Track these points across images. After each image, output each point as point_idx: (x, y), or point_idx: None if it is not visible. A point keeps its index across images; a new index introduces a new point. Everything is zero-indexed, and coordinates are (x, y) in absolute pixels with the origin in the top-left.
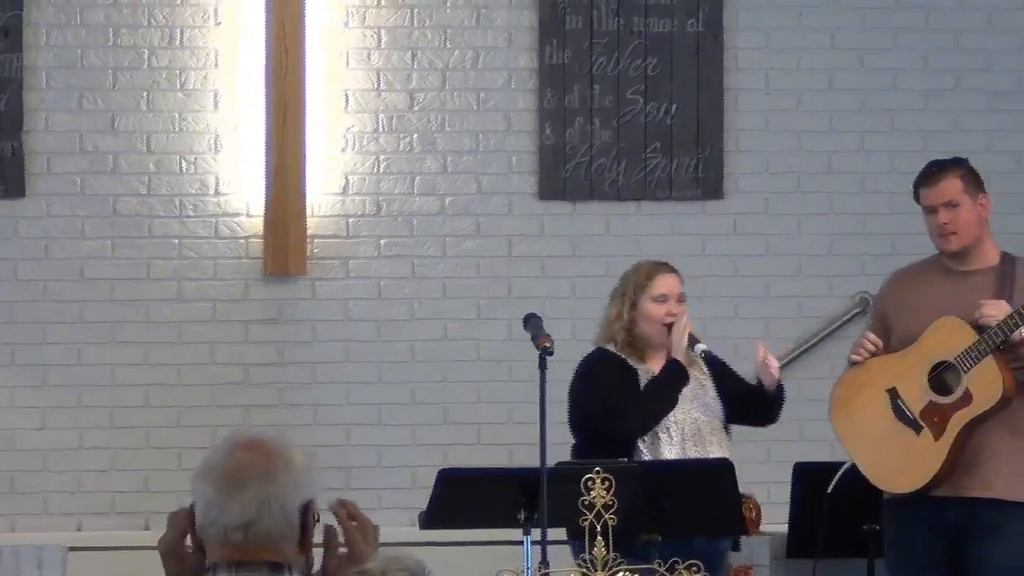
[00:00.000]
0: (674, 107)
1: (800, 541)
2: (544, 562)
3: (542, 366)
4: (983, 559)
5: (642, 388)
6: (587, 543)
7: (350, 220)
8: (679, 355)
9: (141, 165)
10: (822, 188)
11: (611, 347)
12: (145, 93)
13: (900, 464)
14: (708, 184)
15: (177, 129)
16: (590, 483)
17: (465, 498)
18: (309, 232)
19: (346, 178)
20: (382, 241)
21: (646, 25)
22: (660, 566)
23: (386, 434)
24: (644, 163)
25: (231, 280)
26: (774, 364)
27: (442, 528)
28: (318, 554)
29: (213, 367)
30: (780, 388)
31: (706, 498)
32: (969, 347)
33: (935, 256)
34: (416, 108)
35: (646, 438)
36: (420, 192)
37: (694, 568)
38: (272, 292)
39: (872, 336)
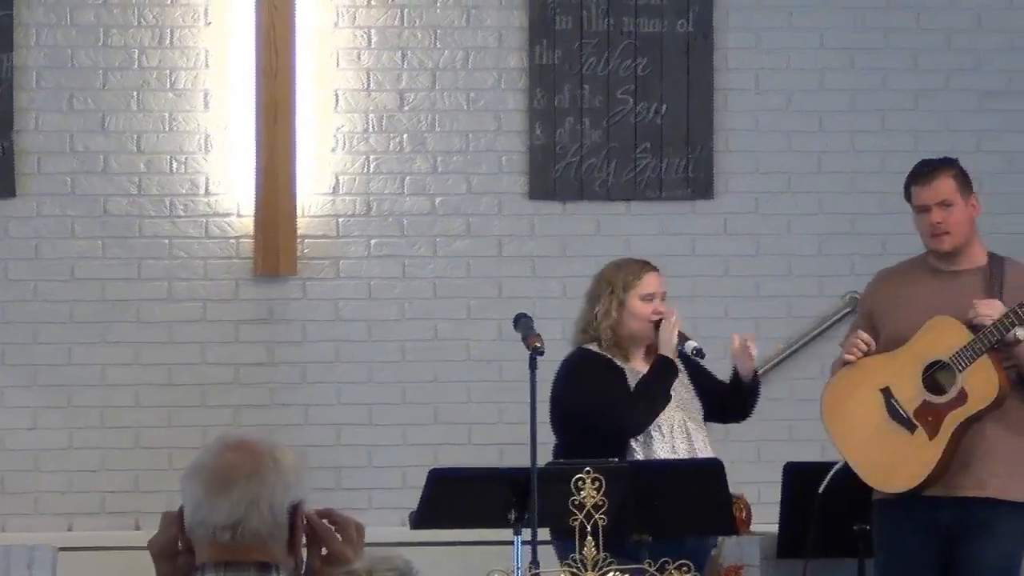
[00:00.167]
0: (664, 107)
1: (790, 541)
2: (534, 562)
3: (532, 366)
4: (976, 559)
5: (633, 386)
6: (577, 543)
7: (340, 220)
8: (669, 352)
9: (131, 165)
10: (812, 188)
11: (594, 347)
12: (135, 93)
13: (894, 464)
14: (698, 184)
15: (167, 129)
16: (580, 483)
17: (455, 498)
18: (299, 232)
19: (336, 178)
20: (372, 241)
21: (636, 25)
22: (650, 566)
23: (377, 434)
24: (634, 163)
25: (221, 280)
26: (753, 350)
27: (433, 528)
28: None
29: (203, 367)
30: (756, 379)
31: (696, 498)
32: (964, 346)
33: (921, 256)
34: (406, 108)
35: (640, 436)
36: (410, 192)
37: (684, 568)
38: (262, 292)
39: (864, 335)
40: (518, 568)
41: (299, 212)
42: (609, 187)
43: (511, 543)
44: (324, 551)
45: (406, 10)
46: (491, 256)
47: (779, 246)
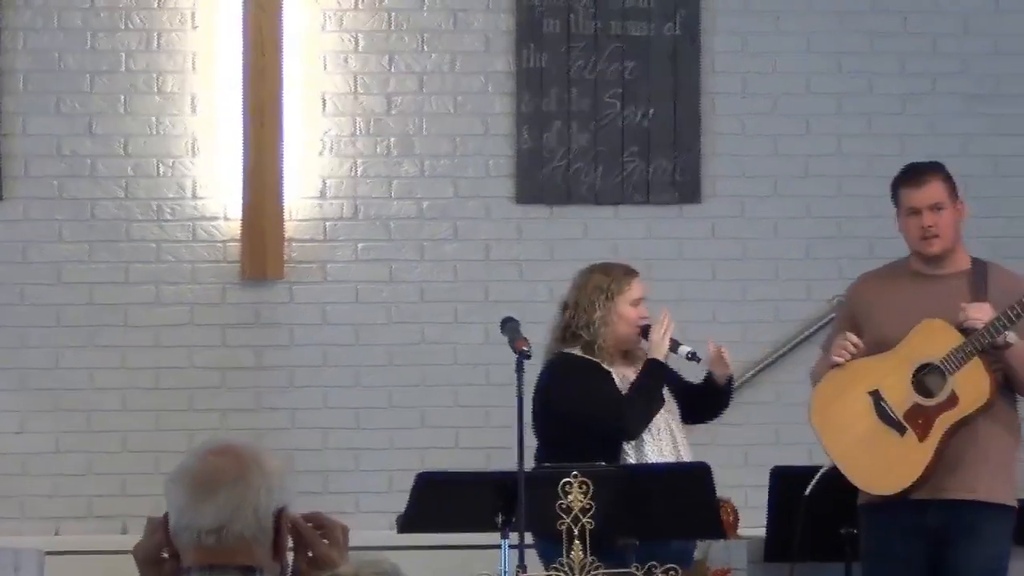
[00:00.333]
0: (651, 111)
1: (777, 545)
2: (522, 565)
3: (519, 369)
4: (964, 562)
5: (624, 391)
6: (564, 547)
7: (327, 224)
8: (660, 355)
9: (119, 169)
10: (799, 192)
11: (576, 351)
12: (122, 96)
13: (884, 466)
14: (685, 188)
15: (154, 133)
16: (568, 487)
17: (443, 502)
18: (286, 236)
19: (323, 182)
20: (359, 245)
21: (623, 29)
22: (638, 570)
23: (364, 438)
24: (621, 167)
25: (209, 284)
26: (728, 357)
27: (420, 532)
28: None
29: (191, 371)
30: (730, 383)
31: (684, 502)
32: (955, 349)
33: (904, 260)
34: (393, 112)
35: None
36: (397, 196)
37: (671, 572)
38: (249, 296)
39: (853, 338)
40: (505, 572)
41: (286, 216)
42: (596, 191)
43: (498, 547)
44: (310, 555)
45: (393, 14)
46: (478, 260)
47: (766, 250)
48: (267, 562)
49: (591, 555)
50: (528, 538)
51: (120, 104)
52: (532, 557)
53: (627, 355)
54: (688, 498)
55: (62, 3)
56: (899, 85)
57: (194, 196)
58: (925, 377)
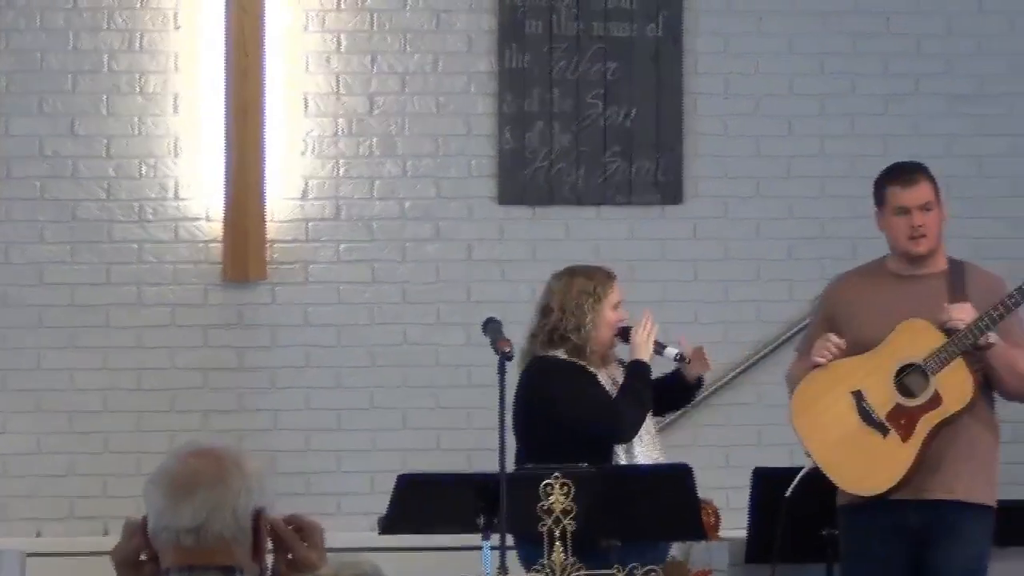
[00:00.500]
0: (633, 111)
1: (759, 546)
2: (503, 567)
3: (501, 370)
4: (944, 562)
5: (615, 393)
6: (546, 548)
7: (310, 224)
8: (645, 356)
9: (101, 169)
10: (782, 192)
11: (561, 354)
12: (105, 97)
13: (867, 467)
14: (667, 188)
15: (137, 133)
16: (549, 488)
17: (424, 503)
18: (269, 236)
19: (306, 182)
20: (342, 246)
21: (606, 29)
22: (619, 571)
23: (345, 439)
24: (604, 167)
25: (191, 284)
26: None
27: (401, 533)
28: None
29: (173, 372)
30: (700, 380)
31: (665, 503)
32: (938, 350)
33: (879, 260)
34: (376, 112)
35: None
36: (380, 196)
37: (652, 573)
38: (232, 297)
39: (836, 339)
40: (486, 573)
41: (268, 216)
42: (578, 191)
43: (480, 548)
44: (289, 557)
45: (375, 14)
46: (460, 260)
47: (748, 250)
48: (247, 563)
49: (572, 556)
50: (509, 540)
51: (102, 104)
52: (513, 559)
53: (603, 357)
54: (669, 499)
55: (44, 3)
56: (882, 86)
57: (176, 197)
58: (906, 378)
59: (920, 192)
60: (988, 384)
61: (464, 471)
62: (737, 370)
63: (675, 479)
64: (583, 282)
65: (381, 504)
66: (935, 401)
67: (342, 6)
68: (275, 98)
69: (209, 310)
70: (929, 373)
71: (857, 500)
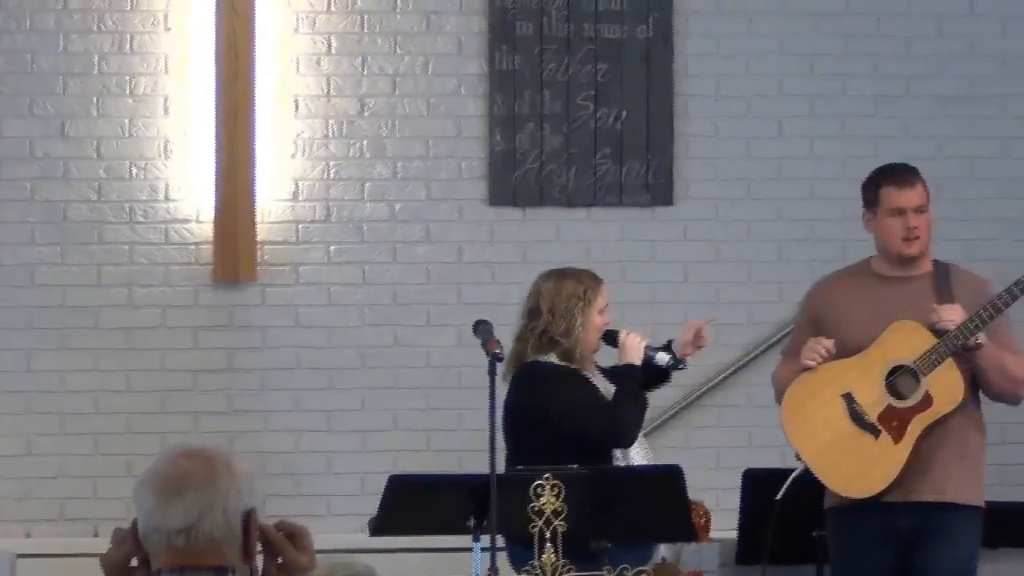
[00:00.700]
0: (624, 113)
1: (749, 548)
2: (493, 568)
3: (492, 372)
4: (933, 564)
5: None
6: (536, 549)
7: (300, 226)
8: (637, 359)
9: (91, 171)
10: (772, 194)
11: (553, 359)
12: (95, 99)
13: (859, 468)
14: (658, 190)
15: (127, 135)
16: (539, 490)
17: (415, 504)
18: (259, 238)
19: (296, 184)
20: (332, 247)
21: (596, 31)
22: (610, 572)
23: (336, 440)
24: (594, 169)
25: (181, 286)
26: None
27: (392, 535)
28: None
29: (163, 373)
30: (674, 365)
31: (656, 504)
32: (928, 351)
33: (863, 262)
34: (366, 114)
35: None
36: (370, 198)
37: (642, 574)
38: (222, 298)
39: (826, 341)
40: (477, 574)
41: (259, 218)
42: (569, 193)
43: (470, 549)
44: (279, 560)
45: (366, 16)
46: (451, 262)
47: (738, 252)
48: (238, 563)
49: (563, 558)
50: (500, 541)
51: (93, 106)
52: (504, 560)
53: (589, 360)
54: (660, 500)
55: (35, 5)
56: (873, 87)
57: (167, 198)
58: (896, 379)
59: (916, 194)
60: (975, 385)
61: (455, 472)
62: (728, 371)
63: (666, 480)
64: (573, 285)
65: (372, 505)
66: (926, 402)
67: (332, 8)
68: (265, 100)
69: (199, 311)
70: (920, 374)
71: (846, 502)
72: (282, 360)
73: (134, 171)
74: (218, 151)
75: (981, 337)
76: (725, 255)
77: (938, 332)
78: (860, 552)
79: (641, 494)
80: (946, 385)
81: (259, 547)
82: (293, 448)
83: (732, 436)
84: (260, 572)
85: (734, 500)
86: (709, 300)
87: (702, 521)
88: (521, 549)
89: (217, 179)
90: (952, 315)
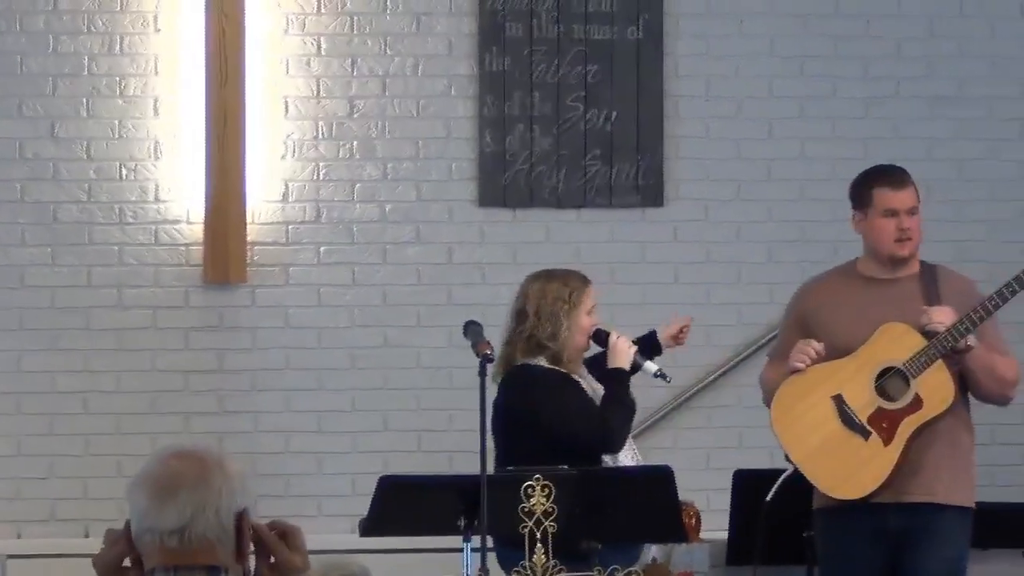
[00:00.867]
0: (614, 114)
1: (740, 548)
2: (484, 569)
3: (482, 373)
4: (921, 564)
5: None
6: (527, 550)
7: (290, 227)
8: (625, 363)
9: (81, 172)
10: (762, 195)
11: (542, 362)
12: (85, 100)
13: (849, 470)
14: (648, 191)
15: (117, 136)
16: (530, 490)
17: (405, 505)
18: (249, 239)
19: (286, 185)
20: (322, 248)
21: (586, 32)
22: (600, 573)
23: (326, 441)
24: (584, 170)
25: (171, 287)
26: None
27: (382, 535)
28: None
29: (153, 374)
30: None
31: (646, 505)
32: (918, 353)
33: (849, 264)
34: (356, 115)
35: None
36: (360, 199)
37: (632, 575)
38: (212, 299)
39: (816, 344)
40: (467, 575)
41: (249, 219)
42: (559, 194)
43: (461, 550)
44: (272, 560)
45: (356, 17)
46: (441, 263)
47: (729, 253)
48: (231, 563)
49: (553, 558)
50: (490, 542)
51: (83, 107)
52: (494, 561)
53: (577, 362)
54: (651, 501)
55: (24, 6)
56: (863, 89)
57: (156, 199)
58: (886, 381)
59: (909, 195)
60: (963, 386)
61: (445, 473)
62: (718, 372)
63: (656, 481)
64: (559, 288)
65: (362, 506)
66: (916, 404)
67: (322, 10)
68: (255, 101)
69: (190, 312)
70: (909, 376)
71: (835, 503)
72: (272, 361)
73: (124, 172)
74: (208, 152)
75: (971, 339)
76: (715, 256)
77: (928, 334)
78: (850, 553)
79: (632, 495)
80: (936, 387)
81: (252, 547)
82: (283, 449)
83: (722, 437)
84: (253, 572)
85: (724, 501)
86: (699, 301)
87: (692, 522)
88: (510, 550)
89: (207, 180)
90: (942, 317)
